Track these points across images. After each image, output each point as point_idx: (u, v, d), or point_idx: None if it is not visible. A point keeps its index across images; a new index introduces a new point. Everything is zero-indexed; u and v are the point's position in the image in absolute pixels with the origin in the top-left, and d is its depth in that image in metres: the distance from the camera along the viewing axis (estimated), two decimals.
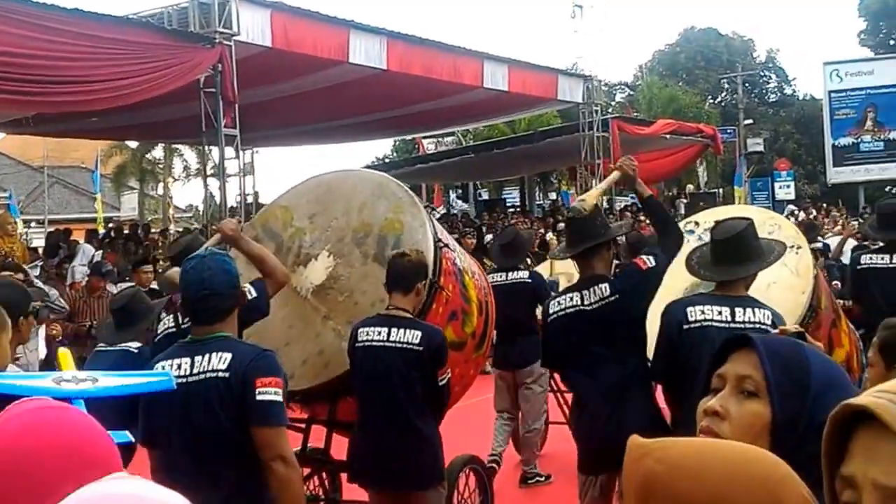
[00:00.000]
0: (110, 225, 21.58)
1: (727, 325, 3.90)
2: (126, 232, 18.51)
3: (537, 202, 30.09)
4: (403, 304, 4.37)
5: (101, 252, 14.33)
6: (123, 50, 10.93)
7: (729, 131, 35.08)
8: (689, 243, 5.04)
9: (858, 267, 6.95)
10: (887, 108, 36.03)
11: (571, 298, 4.53)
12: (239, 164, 13.12)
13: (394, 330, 4.32)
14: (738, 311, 3.98)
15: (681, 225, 5.35)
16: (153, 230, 18.37)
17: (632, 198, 29.80)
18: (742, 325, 3.89)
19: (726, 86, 49.19)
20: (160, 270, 11.72)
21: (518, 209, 27.09)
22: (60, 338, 8.78)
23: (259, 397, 3.13)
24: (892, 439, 0.87)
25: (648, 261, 4.36)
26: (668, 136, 22.87)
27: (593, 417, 4.36)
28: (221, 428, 3.17)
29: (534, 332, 6.42)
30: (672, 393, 4.19)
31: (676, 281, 4.92)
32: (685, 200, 28.86)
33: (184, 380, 3.16)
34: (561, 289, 6.07)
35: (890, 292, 6.37)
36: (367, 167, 29.18)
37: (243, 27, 12.01)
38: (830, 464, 0.97)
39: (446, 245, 5.11)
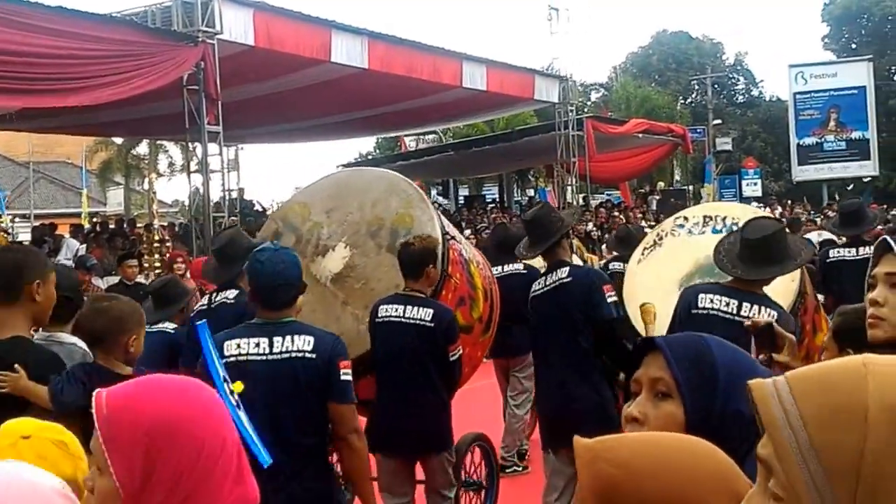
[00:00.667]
0: (95, 220, 21.60)
1: (731, 317, 4.07)
2: (112, 227, 18.58)
3: (515, 199, 30.41)
4: (418, 287, 4.76)
5: (85, 246, 14.43)
6: (107, 48, 11.06)
7: (699, 131, 35.62)
8: (679, 237, 5.75)
9: (828, 260, 7.31)
10: (849, 109, 36.85)
11: (539, 283, 5.20)
12: (222, 160, 13.27)
13: (409, 307, 4.70)
14: (746, 305, 4.14)
15: (670, 220, 6.12)
16: (138, 225, 18.42)
17: (607, 195, 30.28)
18: (744, 319, 3.77)
19: (696, 87, 49.82)
20: (145, 265, 11.93)
21: (497, 205, 27.39)
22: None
23: (342, 377, 3.56)
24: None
25: (609, 298, 4.89)
26: (640, 135, 23.24)
27: (547, 395, 4.89)
28: (303, 402, 3.53)
29: (524, 322, 6.39)
30: None
31: (674, 268, 5.40)
32: (657, 197, 29.31)
33: (264, 357, 3.55)
34: None
35: (858, 282, 6.63)
36: (350, 164, 29.43)
37: (226, 26, 12.17)
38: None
39: (453, 237, 5.51)
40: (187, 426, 1.43)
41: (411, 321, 4.67)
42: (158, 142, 27.74)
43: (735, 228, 4.95)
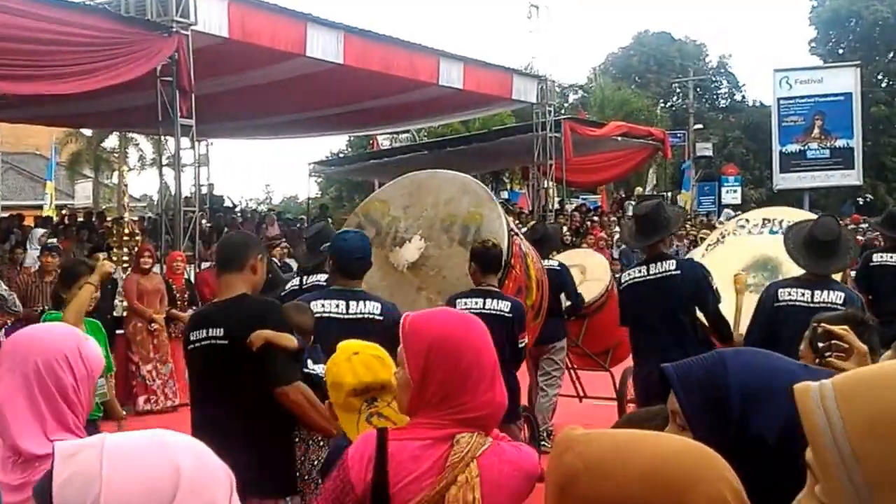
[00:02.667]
0: (64, 212, 21.39)
1: (807, 305, 4.83)
2: (80, 220, 18.40)
3: None
4: (492, 282, 5.53)
5: (47, 233, 14.31)
6: (79, 36, 10.87)
7: (679, 135, 35.57)
8: (740, 237, 6.77)
9: (871, 264, 7.90)
10: (834, 116, 36.51)
11: (637, 272, 5.95)
12: (195, 154, 13.13)
13: (488, 300, 5.44)
14: (817, 293, 4.96)
15: (732, 222, 7.32)
16: (108, 219, 18.26)
17: (582, 199, 30.20)
18: (819, 305, 4.78)
19: (678, 90, 49.79)
20: (114, 258, 11.78)
21: None
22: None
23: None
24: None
25: (713, 292, 5.64)
26: (618, 138, 23.17)
27: (650, 373, 5.25)
28: None
29: (558, 313, 7.61)
30: None
31: (736, 262, 6.32)
32: (633, 202, 29.22)
33: (342, 315, 4.45)
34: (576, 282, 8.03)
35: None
36: (321, 162, 29.29)
37: (200, 17, 12.01)
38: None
39: (516, 234, 6.45)
40: (454, 344, 2.15)
41: (492, 312, 5.31)
42: (129, 135, 27.53)
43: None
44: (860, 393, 0.88)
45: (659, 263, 5.76)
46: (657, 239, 5.82)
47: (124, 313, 10.66)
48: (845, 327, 2.61)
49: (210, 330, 3.72)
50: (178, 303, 10.97)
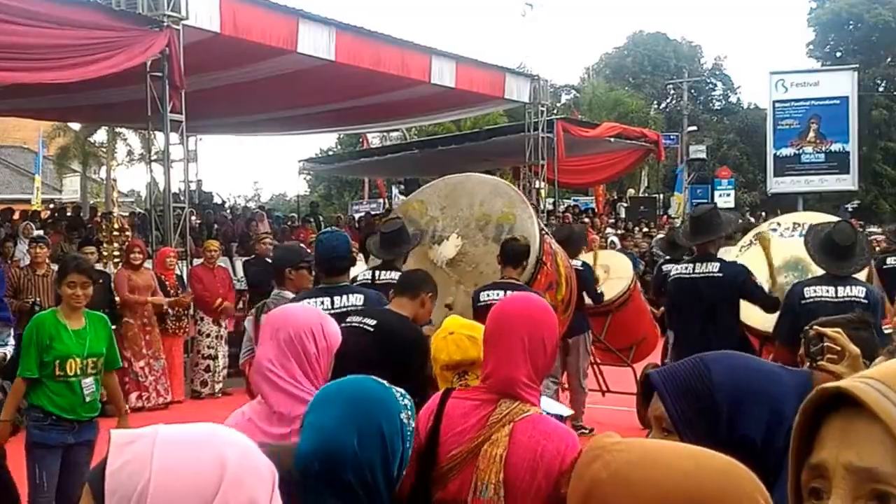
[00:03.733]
0: (52, 206, 21.32)
1: (833, 300, 5.45)
2: (69, 214, 18.33)
3: None
4: (514, 276, 5.94)
5: (28, 224, 14.28)
6: (70, 29, 10.82)
7: (672, 137, 35.56)
8: (772, 239, 7.20)
9: (884, 266, 8.29)
10: (830, 120, 36.30)
11: (684, 268, 6.64)
12: (184, 150, 13.07)
13: (509, 292, 5.44)
14: (841, 288, 5.55)
15: (765, 225, 7.77)
16: (99, 213, 18.18)
17: (574, 200, 30.18)
18: (844, 299, 5.41)
19: (672, 91, 49.75)
20: (104, 253, 11.72)
21: None
22: None
23: None
24: (867, 421, 0.84)
25: (757, 285, 6.27)
26: (612, 139, 23.13)
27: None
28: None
29: (581, 310, 8.02)
30: (793, 353, 5.32)
31: (764, 265, 6.88)
32: (625, 204, 29.19)
33: (329, 310, 4.55)
34: (600, 280, 8.77)
35: None
36: (311, 159, 29.25)
37: (192, 12, 11.95)
38: (798, 456, 0.93)
39: (546, 233, 6.96)
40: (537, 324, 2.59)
41: None
42: (117, 129, 27.41)
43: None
44: None
45: (705, 263, 6.49)
46: (706, 240, 6.55)
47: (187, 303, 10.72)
48: (837, 329, 2.63)
49: (366, 319, 4.33)
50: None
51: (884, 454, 0.83)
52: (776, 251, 7.01)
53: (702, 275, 6.44)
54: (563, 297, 6.70)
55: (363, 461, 1.90)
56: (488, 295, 5.86)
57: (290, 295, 5.31)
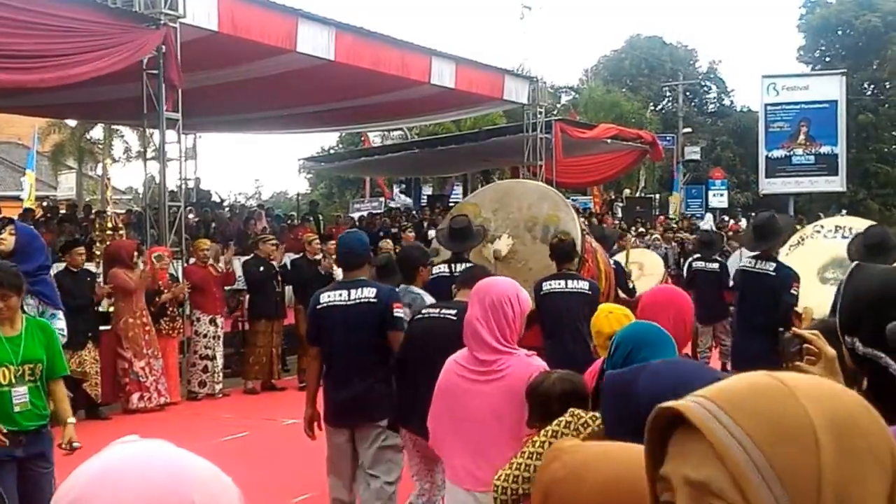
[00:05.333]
0: (45, 204, 21.15)
1: None
2: (63, 212, 18.18)
3: None
4: (571, 267, 6.82)
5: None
6: (67, 26, 10.70)
7: (668, 138, 35.65)
8: (817, 240, 8.45)
9: None
10: (820, 123, 36.76)
11: (748, 263, 8.00)
12: (181, 148, 12.97)
13: (570, 281, 6.78)
14: None
15: (810, 227, 9.04)
16: (93, 211, 18.01)
17: (573, 200, 30.15)
18: None
19: (668, 94, 49.94)
20: (97, 252, 11.63)
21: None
22: None
23: (395, 314, 5.34)
24: (700, 437, 0.89)
25: (795, 290, 7.41)
26: (609, 140, 23.11)
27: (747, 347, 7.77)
28: (370, 332, 5.31)
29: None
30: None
31: (816, 259, 8.00)
32: (622, 204, 29.21)
33: (346, 302, 5.37)
34: (633, 276, 9.68)
35: None
36: (311, 158, 29.18)
37: (189, 10, 11.83)
38: (652, 466, 0.98)
39: (588, 233, 7.89)
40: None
41: (574, 290, 6.73)
42: (114, 126, 27.23)
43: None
44: (749, 406, 0.89)
45: (765, 263, 7.70)
46: (767, 246, 7.78)
47: (111, 309, 10.51)
48: (816, 332, 2.64)
49: (445, 311, 5.01)
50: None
51: (715, 468, 0.87)
52: (820, 251, 8.18)
53: (760, 271, 7.70)
54: (604, 290, 7.34)
55: None
56: (550, 284, 6.84)
57: (418, 289, 6.10)
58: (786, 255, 8.24)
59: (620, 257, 10.07)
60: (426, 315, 5.10)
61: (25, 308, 5.68)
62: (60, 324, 5.88)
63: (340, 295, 5.41)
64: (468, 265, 6.80)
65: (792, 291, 7.38)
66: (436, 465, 4.98)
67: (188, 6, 11.80)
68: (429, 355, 4.50)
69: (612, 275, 7.98)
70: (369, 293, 5.35)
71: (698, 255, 10.87)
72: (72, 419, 5.17)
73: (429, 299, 5.90)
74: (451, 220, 7.61)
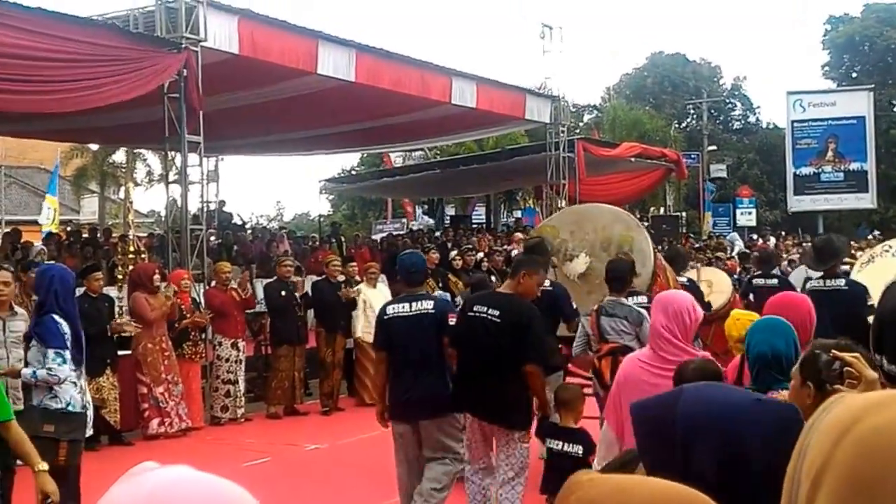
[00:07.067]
0: (67, 228, 21.25)
1: None
2: (85, 236, 18.22)
3: (503, 220, 30.07)
4: (627, 289, 7.06)
5: (42, 249, 14.16)
6: (88, 52, 10.72)
7: (693, 156, 35.39)
8: (886, 258, 8.99)
9: None
10: (848, 139, 36.46)
11: (818, 282, 8.15)
12: (202, 171, 12.94)
13: (632, 298, 7.00)
14: None
15: (879, 247, 9.78)
16: (114, 235, 18.04)
17: None
18: None
19: (692, 111, 49.65)
20: (119, 276, 11.58)
21: (484, 226, 27.07)
22: None
23: (449, 322, 6.24)
24: None
25: (868, 308, 7.35)
26: (632, 159, 22.97)
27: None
28: (429, 338, 6.27)
29: None
30: None
31: (888, 275, 7.89)
32: (647, 223, 28.97)
33: (408, 313, 6.33)
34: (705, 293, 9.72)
35: None
36: (331, 179, 29.21)
37: (210, 33, 11.84)
38: None
39: (658, 251, 8.73)
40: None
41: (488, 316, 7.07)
42: (137, 150, 27.37)
43: None
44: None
45: (833, 280, 8.05)
46: (832, 263, 8.22)
47: (132, 333, 10.44)
48: (856, 354, 2.64)
49: (490, 309, 5.95)
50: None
51: None
52: (891, 268, 8.56)
53: (832, 288, 7.97)
54: None
55: None
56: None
57: (627, 302, 6.80)
58: (857, 273, 8.82)
59: (693, 274, 10.43)
60: (476, 314, 6.09)
61: (31, 349, 5.71)
62: (52, 364, 5.85)
63: (404, 307, 6.40)
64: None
65: (869, 303, 7.54)
66: (492, 447, 6.18)
67: (209, 29, 11.81)
68: (479, 349, 5.99)
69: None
70: (428, 305, 6.39)
71: (758, 273, 11.26)
72: (42, 465, 4.64)
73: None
74: (526, 241, 8.86)
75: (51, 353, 5.89)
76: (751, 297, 10.21)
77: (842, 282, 8.10)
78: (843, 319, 7.52)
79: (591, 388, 7.38)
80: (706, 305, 9.30)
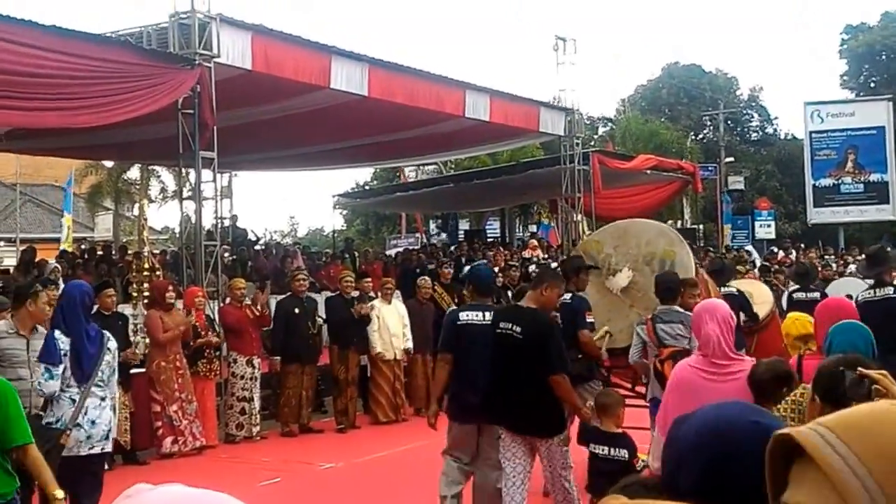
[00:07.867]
0: (82, 245, 21.27)
1: None
2: (100, 253, 18.21)
3: (517, 235, 29.90)
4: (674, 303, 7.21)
5: (56, 268, 14.15)
6: (102, 69, 10.73)
7: (710, 168, 35.11)
8: None
9: None
10: (867, 150, 36.05)
11: (869, 293, 8.35)
12: (216, 187, 12.91)
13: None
14: None
15: None
16: (129, 252, 18.03)
17: None
18: None
19: (708, 122, 49.31)
20: (133, 293, 11.52)
21: (498, 241, 26.93)
22: None
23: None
24: (816, 465, 0.90)
25: None
26: (648, 171, 22.79)
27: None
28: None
29: (737, 328, 10.36)
30: None
31: None
32: None
33: (483, 321, 6.59)
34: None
35: None
36: (345, 194, 29.17)
37: (223, 49, 11.84)
38: (773, 494, 0.99)
39: (700, 265, 9.20)
40: None
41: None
42: (151, 167, 27.43)
43: None
44: (865, 433, 0.91)
45: (882, 288, 8.31)
46: (880, 271, 8.62)
47: (146, 350, 10.37)
48: (883, 372, 2.62)
49: (514, 326, 6.18)
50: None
51: (827, 496, 0.88)
52: None
53: (881, 297, 8.22)
54: None
55: None
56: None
57: (679, 309, 6.97)
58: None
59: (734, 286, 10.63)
60: (503, 330, 6.31)
61: (36, 369, 5.69)
62: (41, 379, 5.86)
63: (477, 315, 6.74)
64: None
65: None
66: (535, 453, 6.34)
67: (222, 45, 11.81)
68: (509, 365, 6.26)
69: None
70: (490, 315, 6.67)
71: (797, 287, 11.54)
72: (59, 493, 4.51)
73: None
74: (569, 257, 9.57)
75: (41, 368, 5.94)
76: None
77: (891, 290, 8.31)
78: (892, 326, 7.53)
79: (631, 400, 7.76)
80: (754, 315, 9.64)
